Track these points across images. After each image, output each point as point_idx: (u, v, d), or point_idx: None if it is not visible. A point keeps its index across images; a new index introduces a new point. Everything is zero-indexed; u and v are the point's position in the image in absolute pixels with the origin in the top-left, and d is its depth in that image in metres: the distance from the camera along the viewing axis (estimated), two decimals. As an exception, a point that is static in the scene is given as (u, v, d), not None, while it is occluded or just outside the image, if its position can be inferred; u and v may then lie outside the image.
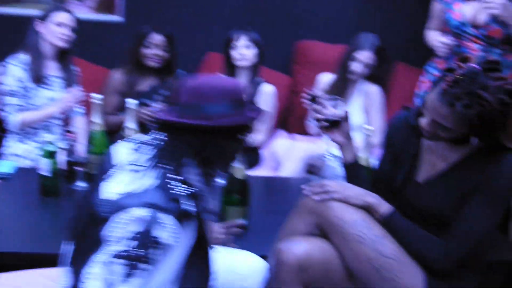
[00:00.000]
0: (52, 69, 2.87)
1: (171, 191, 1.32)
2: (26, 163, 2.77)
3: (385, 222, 1.66)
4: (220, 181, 2.43)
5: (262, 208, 2.22)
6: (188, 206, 1.33)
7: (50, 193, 2.25)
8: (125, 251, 1.27)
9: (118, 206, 1.30)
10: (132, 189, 1.32)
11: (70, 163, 2.32)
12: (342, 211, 1.66)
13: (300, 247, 1.64)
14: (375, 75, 2.94)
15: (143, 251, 1.28)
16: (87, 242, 1.35)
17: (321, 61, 3.48)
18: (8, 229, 2.02)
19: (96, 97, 2.37)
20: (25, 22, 2.91)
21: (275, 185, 2.59)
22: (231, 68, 3.02)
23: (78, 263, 1.36)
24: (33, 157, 2.79)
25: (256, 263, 1.78)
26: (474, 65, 1.52)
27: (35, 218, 2.14)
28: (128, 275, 1.29)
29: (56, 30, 2.75)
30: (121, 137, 2.33)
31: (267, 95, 2.97)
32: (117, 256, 1.28)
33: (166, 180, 1.33)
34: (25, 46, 2.82)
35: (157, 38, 3.00)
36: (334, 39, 3.53)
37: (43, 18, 2.78)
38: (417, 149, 1.76)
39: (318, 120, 1.82)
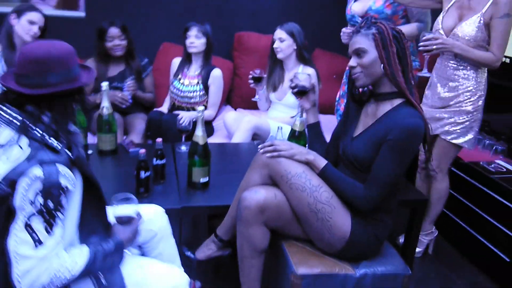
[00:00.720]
0: None
1: (50, 147, 1.27)
2: None
3: (321, 174, 1.75)
4: (184, 148, 2.50)
5: (219, 168, 2.28)
6: (68, 154, 1.31)
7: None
8: (37, 209, 1.23)
9: (8, 182, 1.22)
10: (16, 163, 1.24)
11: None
12: (288, 165, 1.75)
13: (259, 194, 1.73)
14: (301, 57, 2.99)
15: (52, 202, 1.25)
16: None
17: (255, 49, 3.55)
18: None
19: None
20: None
21: (227, 150, 2.66)
22: (188, 55, 3.03)
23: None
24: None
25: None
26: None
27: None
28: (50, 228, 1.26)
29: (27, 27, 2.65)
30: (99, 114, 2.33)
31: (216, 78, 3.03)
32: (32, 215, 1.23)
33: (39, 142, 1.27)
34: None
35: (114, 31, 2.97)
36: (265, 29, 3.55)
37: (18, 14, 2.66)
38: (358, 114, 1.85)
39: (292, 88, 2.00)
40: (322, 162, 1.76)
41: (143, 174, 1.95)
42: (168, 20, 3.59)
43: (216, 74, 3.02)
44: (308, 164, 1.77)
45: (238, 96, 3.56)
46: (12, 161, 1.24)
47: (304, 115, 2.06)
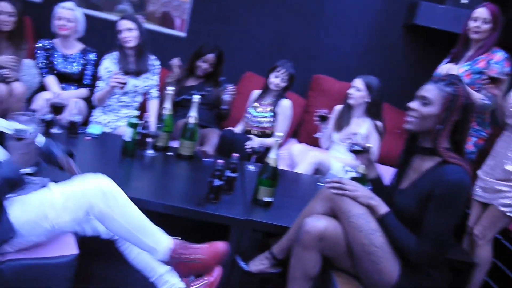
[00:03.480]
0: (133, 63, 2.95)
1: None
2: (105, 130, 2.85)
3: (380, 219, 1.73)
4: (252, 167, 2.55)
5: (282, 191, 2.29)
6: None
7: (128, 155, 2.32)
8: None
9: None
10: None
11: (143, 135, 2.39)
12: (350, 205, 1.75)
13: (321, 223, 1.74)
14: (370, 111, 3.01)
15: None
16: None
17: (329, 92, 3.62)
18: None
19: (169, 89, 2.46)
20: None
21: (291, 177, 2.69)
22: (267, 87, 3.13)
23: None
24: (111, 126, 2.86)
25: None
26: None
27: (114, 170, 2.21)
28: None
29: (121, 39, 2.86)
30: (185, 122, 2.44)
31: (285, 107, 3.09)
32: None
33: None
34: (116, 45, 2.92)
35: (210, 56, 3.11)
36: (341, 76, 3.63)
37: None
38: (406, 165, 1.85)
39: (349, 147, 2.06)
40: (384, 209, 1.74)
41: (216, 182, 2.02)
42: (256, 52, 3.74)
43: (285, 104, 3.08)
44: (370, 207, 1.76)
45: (305, 131, 3.61)
46: None
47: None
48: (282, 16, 3.69)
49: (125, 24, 2.83)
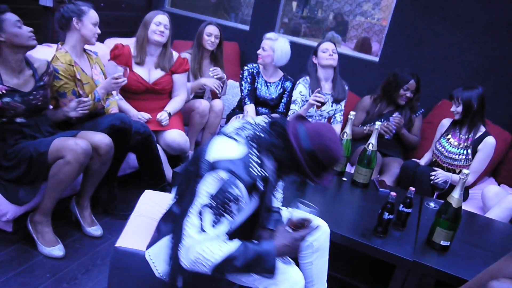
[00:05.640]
0: (326, 88, 3.00)
1: (250, 168, 1.34)
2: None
3: None
4: (432, 205, 2.31)
5: (464, 237, 2.03)
6: (258, 184, 1.36)
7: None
8: (211, 203, 1.31)
9: (210, 166, 1.34)
10: (224, 154, 1.35)
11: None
12: None
13: None
14: None
15: (223, 203, 1.31)
16: (188, 194, 1.40)
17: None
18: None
19: (351, 114, 2.43)
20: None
21: (479, 222, 2.32)
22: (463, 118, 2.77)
23: (180, 212, 1.42)
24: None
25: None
26: None
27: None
28: (215, 223, 1.32)
29: (323, 57, 2.88)
30: (364, 148, 2.36)
31: (489, 145, 2.67)
32: (205, 206, 1.32)
33: (250, 157, 1.35)
34: (307, 71, 3.01)
35: (412, 83, 2.95)
36: None
37: (315, 52, 2.92)
38: None
39: None
40: None
41: (386, 215, 1.89)
42: (454, 79, 3.38)
43: (490, 141, 2.66)
44: None
45: (507, 170, 3.08)
46: (225, 150, 1.37)
47: None
48: (492, 38, 3.24)
49: (331, 45, 2.90)
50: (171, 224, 1.50)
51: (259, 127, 1.43)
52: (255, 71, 3.12)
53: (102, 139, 2.19)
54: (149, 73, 2.86)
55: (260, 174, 1.37)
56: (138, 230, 1.72)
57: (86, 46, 2.49)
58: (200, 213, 1.33)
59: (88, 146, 2.07)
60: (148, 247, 1.57)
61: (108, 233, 2.37)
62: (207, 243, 1.33)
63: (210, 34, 3.16)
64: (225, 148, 1.38)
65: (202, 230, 1.33)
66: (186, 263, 1.36)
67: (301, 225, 1.47)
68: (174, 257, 1.44)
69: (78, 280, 2.01)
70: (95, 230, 2.33)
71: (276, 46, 3.02)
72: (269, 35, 3.09)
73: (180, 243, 1.37)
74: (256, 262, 1.35)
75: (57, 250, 2.12)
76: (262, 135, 1.40)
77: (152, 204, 1.89)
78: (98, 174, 2.27)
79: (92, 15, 2.39)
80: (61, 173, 2.03)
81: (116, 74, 2.38)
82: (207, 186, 1.34)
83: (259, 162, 1.37)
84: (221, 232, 1.35)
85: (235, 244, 1.36)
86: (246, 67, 3.14)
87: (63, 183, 2.06)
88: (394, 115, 2.99)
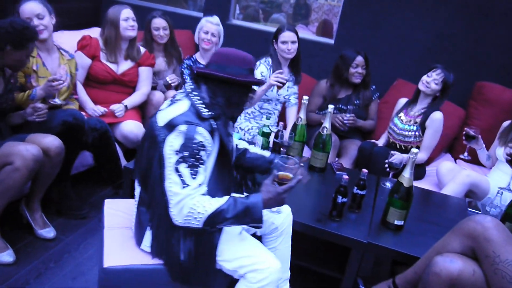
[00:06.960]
0: (285, 72, 2.95)
1: (200, 113, 1.45)
2: (247, 137, 2.93)
3: None
4: (388, 184, 2.32)
5: (418, 215, 2.04)
6: (213, 123, 1.46)
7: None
8: (181, 158, 1.40)
9: (167, 128, 1.43)
10: (174, 114, 1.45)
11: (276, 144, 2.36)
12: (499, 247, 1.44)
13: (455, 265, 1.47)
14: None
15: (192, 153, 1.40)
16: (154, 162, 1.47)
17: (495, 101, 3.08)
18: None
19: (304, 99, 2.39)
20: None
21: (433, 199, 2.34)
22: (416, 95, 2.78)
23: (154, 179, 1.48)
24: (252, 133, 2.93)
25: None
26: None
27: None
28: (193, 174, 1.41)
29: (282, 49, 2.84)
30: (318, 133, 2.34)
31: (436, 121, 2.67)
32: (178, 162, 1.40)
33: (195, 104, 1.47)
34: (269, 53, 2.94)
35: (359, 59, 2.92)
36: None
37: (276, 38, 2.86)
38: None
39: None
40: None
41: (340, 199, 1.88)
42: (409, 58, 3.40)
43: (437, 117, 2.66)
44: None
45: (461, 146, 3.11)
46: (173, 112, 1.47)
47: None
48: (442, 16, 3.26)
49: (290, 36, 2.83)
50: (149, 210, 1.54)
51: (187, 87, 1.54)
52: (191, 62, 3.12)
53: (52, 141, 2.10)
54: (118, 64, 2.83)
55: (210, 113, 1.47)
56: (118, 244, 1.63)
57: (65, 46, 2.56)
58: (177, 170, 1.40)
59: (39, 152, 1.98)
60: (139, 243, 1.59)
61: (62, 234, 2.29)
62: (197, 198, 1.40)
63: (158, 28, 3.09)
64: (172, 109, 1.48)
65: (185, 183, 1.40)
66: (179, 220, 1.42)
67: (286, 178, 1.52)
68: (162, 232, 1.51)
69: (30, 286, 1.93)
70: (48, 232, 2.24)
71: (221, 30, 3.07)
72: (214, 19, 3.05)
73: (169, 203, 1.42)
74: (244, 213, 1.42)
75: (6, 256, 2.03)
76: (192, 86, 1.53)
77: (119, 213, 1.79)
78: (49, 176, 2.18)
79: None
80: (9, 179, 1.94)
81: (51, 77, 2.27)
82: (173, 145, 1.41)
83: (204, 105, 1.48)
84: (202, 181, 1.43)
85: (224, 198, 1.43)
86: (184, 64, 3.14)
87: (11, 190, 1.96)
88: (347, 116, 2.87)
